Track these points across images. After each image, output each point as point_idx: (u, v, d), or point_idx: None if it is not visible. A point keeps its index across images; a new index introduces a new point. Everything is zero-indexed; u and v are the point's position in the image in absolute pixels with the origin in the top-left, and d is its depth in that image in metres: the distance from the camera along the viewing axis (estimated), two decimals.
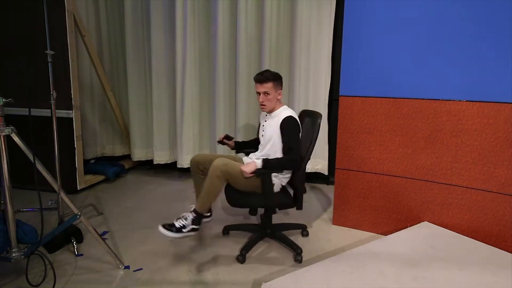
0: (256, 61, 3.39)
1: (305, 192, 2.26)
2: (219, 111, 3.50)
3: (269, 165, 2.08)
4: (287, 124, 2.14)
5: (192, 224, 2.05)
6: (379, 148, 2.48)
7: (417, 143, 2.36)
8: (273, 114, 2.27)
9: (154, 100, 3.64)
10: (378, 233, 2.58)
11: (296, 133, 2.16)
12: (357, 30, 2.43)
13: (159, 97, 3.65)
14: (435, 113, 2.28)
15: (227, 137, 2.54)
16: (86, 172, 3.47)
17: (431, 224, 2.36)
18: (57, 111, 2.48)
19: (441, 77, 2.24)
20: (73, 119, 3.11)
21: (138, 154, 3.89)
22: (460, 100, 2.21)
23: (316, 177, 3.61)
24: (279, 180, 2.22)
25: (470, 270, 1.80)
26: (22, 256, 1.86)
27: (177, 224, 2.04)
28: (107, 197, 3.25)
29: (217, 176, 2.02)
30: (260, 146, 2.36)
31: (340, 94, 2.55)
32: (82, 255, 2.25)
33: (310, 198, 3.32)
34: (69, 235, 2.32)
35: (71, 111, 3.10)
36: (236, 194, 2.17)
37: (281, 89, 2.26)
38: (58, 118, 2.59)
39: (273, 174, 2.14)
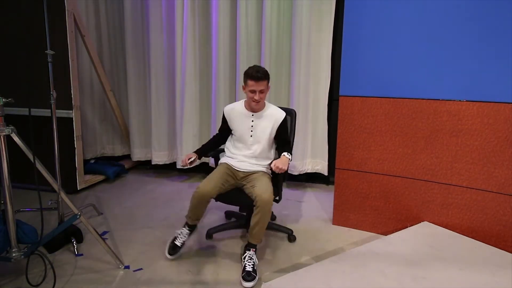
0: (256, 61, 3.39)
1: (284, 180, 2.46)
2: (219, 111, 3.49)
3: (291, 155, 2.23)
4: (287, 123, 2.36)
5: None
6: (379, 148, 2.48)
7: (417, 143, 2.36)
8: (262, 113, 2.28)
9: (153, 101, 3.64)
10: (378, 233, 2.58)
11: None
12: (357, 30, 2.43)
13: (158, 97, 3.65)
14: (435, 113, 2.28)
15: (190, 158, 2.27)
16: (86, 172, 3.47)
17: (431, 224, 2.36)
18: (57, 111, 2.48)
19: (441, 77, 2.24)
20: (73, 119, 3.11)
21: (138, 154, 3.89)
22: (460, 100, 2.21)
23: (316, 177, 3.61)
24: None
25: (470, 270, 1.80)
26: (22, 256, 1.86)
27: (248, 267, 1.99)
28: (107, 197, 3.25)
29: (270, 209, 2.06)
30: (244, 144, 2.30)
31: (340, 94, 2.55)
32: (82, 255, 2.25)
33: (310, 198, 3.32)
34: (69, 235, 2.32)
35: (71, 111, 3.09)
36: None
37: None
38: (58, 118, 2.59)
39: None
